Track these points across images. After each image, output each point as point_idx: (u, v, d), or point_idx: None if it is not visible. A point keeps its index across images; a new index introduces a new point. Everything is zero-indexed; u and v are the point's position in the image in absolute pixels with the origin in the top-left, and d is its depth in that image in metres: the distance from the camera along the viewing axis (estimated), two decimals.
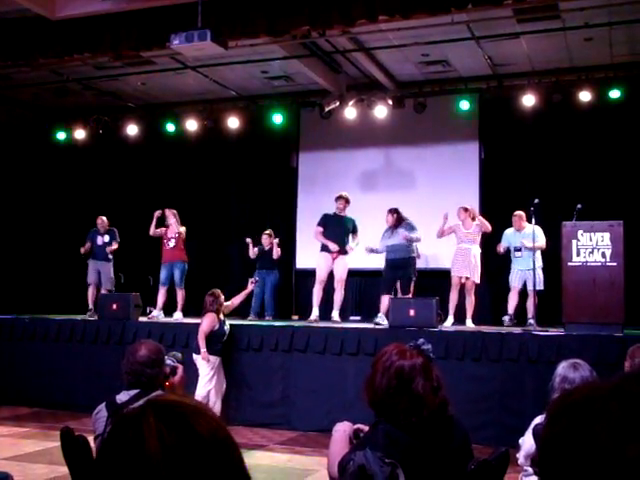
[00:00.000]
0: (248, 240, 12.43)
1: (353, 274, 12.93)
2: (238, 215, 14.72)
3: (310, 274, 13.53)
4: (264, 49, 11.38)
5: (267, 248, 12.41)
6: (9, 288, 13.56)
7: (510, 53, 11.61)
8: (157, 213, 12.07)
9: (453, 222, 11.21)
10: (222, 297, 9.50)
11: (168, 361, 4.38)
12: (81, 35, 10.01)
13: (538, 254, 10.64)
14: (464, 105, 12.65)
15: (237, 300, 10.13)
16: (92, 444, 3.86)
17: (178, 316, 11.95)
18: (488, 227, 11.16)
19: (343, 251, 11.39)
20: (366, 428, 3.15)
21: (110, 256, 12.66)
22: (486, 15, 9.91)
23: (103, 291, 12.32)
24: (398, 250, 10.79)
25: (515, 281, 10.90)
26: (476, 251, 11.11)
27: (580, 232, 9.07)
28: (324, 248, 11.40)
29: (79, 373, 10.85)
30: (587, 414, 1.01)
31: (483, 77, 12.65)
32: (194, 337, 10.31)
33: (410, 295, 10.79)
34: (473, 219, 11.19)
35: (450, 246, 11.36)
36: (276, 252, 12.30)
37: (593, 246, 8.99)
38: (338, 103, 12.84)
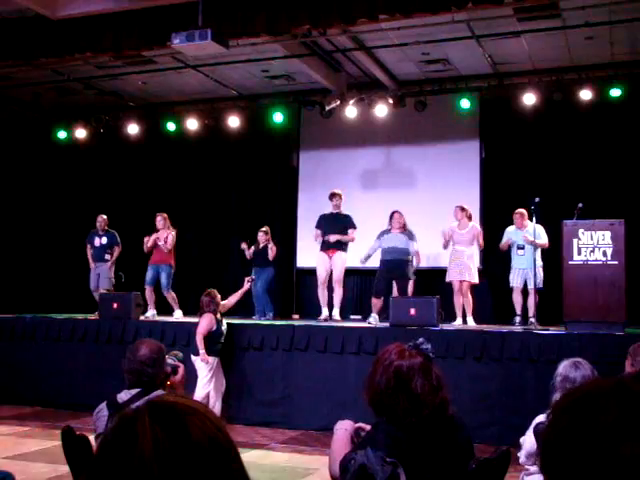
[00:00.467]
0: (243, 246, 12.40)
1: (354, 273, 12.96)
2: (238, 214, 14.72)
3: (311, 273, 13.55)
4: (265, 48, 11.38)
5: (262, 245, 12.37)
6: (10, 287, 13.56)
7: (511, 52, 11.61)
8: (153, 238, 12.00)
9: (447, 225, 11.19)
10: (219, 297, 9.49)
11: (169, 360, 4.38)
12: (82, 34, 10.02)
13: (538, 253, 10.64)
14: (465, 104, 12.65)
15: (233, 299, 10.10)
16: (93, 443, 3.87)
17: (179, 315, 11.95)
18: (481, 243, 11.23)
19: (340, 247, 11.36)
20: (367, 427, 3.16)
21: (107, 256, 12.63)
22: (487, 14, 9.91)
23: (101, 291, 12.31)
24: (395, 252, 10.76)
25: (516, 281, 10.89)
26: (470, 252, 11.05)
27: (581, 231, 9.06)
28: (322, 248, 11.39)
29: (80, 372, 10.85)
30: (586, 411, 1.02)
31: (484, 76, 12.65)
32: (194, 337, 10.33)
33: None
34: (470, 219, 11.18)
35: (449, 245, 11.36)
36: (271, 251, 12.26)
37: (594, 245, 8.98)
38: (339, 102, 12.84)
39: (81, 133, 14.63)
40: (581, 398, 1.06)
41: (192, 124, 14.04)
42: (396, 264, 10.75)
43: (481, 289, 12.30)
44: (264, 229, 12.51)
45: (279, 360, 9.92)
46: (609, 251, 8.92)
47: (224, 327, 9.48)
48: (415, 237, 10.94)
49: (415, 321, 9.44)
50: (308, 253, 12.98)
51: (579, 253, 9.05)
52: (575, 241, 9.07)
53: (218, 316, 9.42)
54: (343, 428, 3.17)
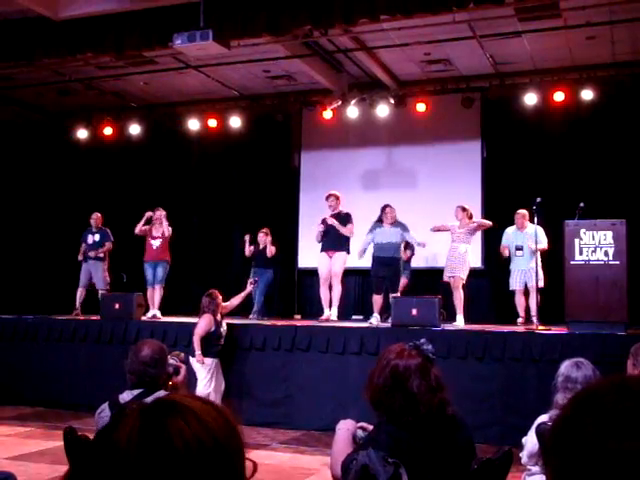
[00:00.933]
0: (246, 237, 12.39)
1: (355, 273, 12.96)
2: (240, 214, 14.72)
3: (312, 273, 13.55)
4: (266, 48, 11.38)
5: (262, 246, 12.37)
6: (12, 288, 13.57)
7: (512, 52, 11.61)
8: (148, 214, 12.01)
9: (447, 220, 11.20)
10: (219, 298, 9.47)
11: (171, 361, 4.38)
12: (84, 35, 10.02)
13: (538, 253, 10.64)
14: (465, 104, 12.65)
15: (236, 301, 10.09)
16: None
17: (153, 313, 11.76)
18: (487, 223, 11.21)
19: (340, 248, 11.36)
20: (369, 426, 3.17)
21: (101, 255, 12.62)
22: (488, 14, 9.90)
23: (100, 292, 12.30)
24: (389, 249, 10.77)
25: (516, 284, 10.88)
26: (463, 249, 11.02)
27: (583, 231, 9.06)
28: (323, 248, 11.40)
29: (82, 373, 10.86)
30: (589, 410, 1.04)
31: (485, 76, 12.64)
32: None
33: (398, 294, 10.76)
34: (470, 218, 11.18)
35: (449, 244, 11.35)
36: (269, 251, 12.23)
37: (596, 245, 8.98)
38: (340, 102, 12.84)
39: (82, 133, 14.64)
40: (585, 396, 1.08)
41: (193, 124, 14.05)
42: (388, 261, 10.74)
43: (482, 289, 12.31)
44: (264, 230, 12.50)
45: (281, 360, 9.93)
46: (611, 251, 8.91)
47: (223, 328, 9.46)
48: (408, 227, 10.93)
49: (417, 321, 9.44)
50: (309, 253, 12.97)
51: (581, 253, 9.04)
52: (577, 241, 9.07)
53: (218, 317, 9.40)
54: (345, 428, 3.17)
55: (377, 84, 12.85)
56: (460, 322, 10.69)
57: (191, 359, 9.05)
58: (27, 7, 9.67)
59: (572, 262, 9.10)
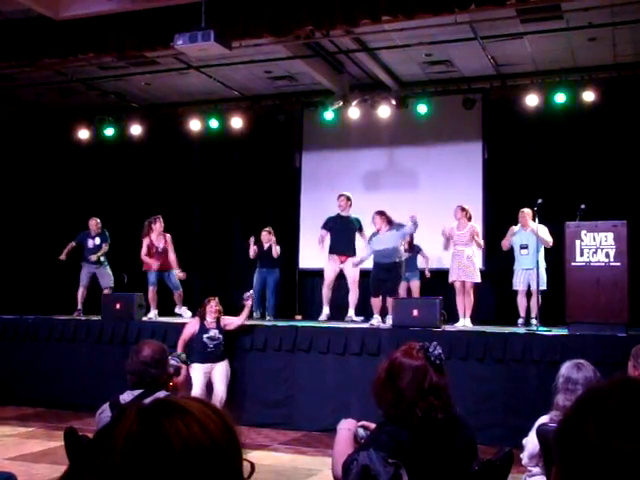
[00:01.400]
0: (251, 240, 12.35)
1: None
2: (241, 215, 14.72)
3: (313, 274, 13.56)
4: (267, 49, 11.38)
5: (267, 246, 12.36)
6: (12, 288, 13.57)
7: (513, 53, 11.61)
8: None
9: (447, 225, 11.18)
10: (211, 304, 9.49)
11: (172, 362, 4.39)
12: (85, 35, 10.02)
13: (542, 254, 10.64)
14: (467, 105, 12.65)
15: (239, 321, 9.87)
16: None
17: (188, 314, 11.86)
18: (479, 242, 11.19)
19: (352, 254, 11.43)
20: (371, 425, 3.18)
21: (102, 258, 12.62)
22: (489, 15, 9.90)
23: (106, 291, 12.31)
24: (387, 254, 10.70)
25: (520, 284, 10.86)
26: (470, 252, 11.02)
27: (583, 232, 9.06)
28: (332, 250, 11.43)
29: (82, 373, 10.86)
30: (581, 409, 1.05)
31: (486, 77, 12.64)
32: None
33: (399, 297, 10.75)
34: (469, 219, 11.17)
35: (450, 245, 11.35)
36: (275, 251, 12.23)
37: (597, 246, 8.98)
38: (341, 103, 12.84)
39: (84, 134, 14.64)
40: (587, 395, 1.09)
41: (195, 125, 14.05)
42: (388, 266, 10.71)
43: (483, 290, 12.29)
44: (267, 229, 12.48)
45: (282, 361, 9.93)
46: (612, 252, 8.91)
47: (211, 335, 9.36)
48: (404, 226, 10.80)
49: (417, 322, 9.44)
50: (311, 254, 12.98)
51: (582, 254, 9.05)
52: (578, 242, 9.07)
53: (207, 322, 9.38)
54: (346, 428, 3.18)
55: (378, 85, 12.85)
56: (468, 324, 10.73)
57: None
58: (28, 7, 9.67)
59: (573, 264, 9.10)
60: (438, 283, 11.87)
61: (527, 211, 10.80)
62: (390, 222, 10.86)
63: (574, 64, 11.89)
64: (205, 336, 9.36)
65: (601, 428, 1.01)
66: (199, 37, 8.63)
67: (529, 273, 10.68)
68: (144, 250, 11.86)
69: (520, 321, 10.85)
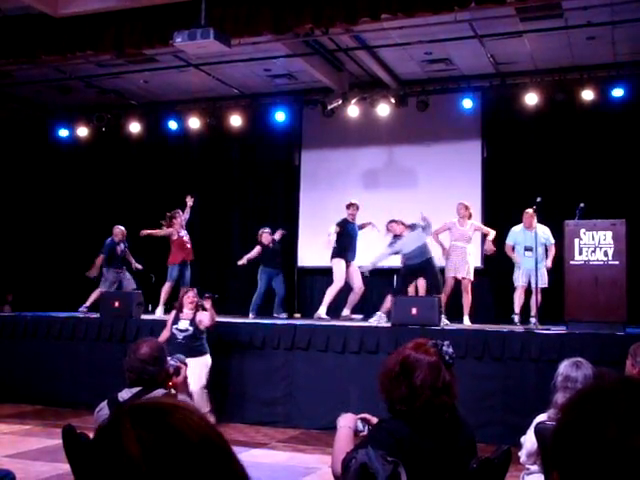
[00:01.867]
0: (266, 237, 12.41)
1: None
2: (240, 213, 14.72)
3: (312, 272, 13.57)
4: (267, 47, 11.37)
5: (272, 245, 12.36)
6: (11, 286, 13.57)
7: (513, 52, 11.61)
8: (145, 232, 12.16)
9: (447, 219, 11.18)
10: (189, 294, 9.24)
11: (171, 362, 4.39)
12: (84, 33, 10.01)
13: (551, 252, 10.64)
14: (467, 103, 12.65)
15: (206, 319, 9.25)
16: None
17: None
18: (486, 230, 11.23)
19: (354, 259, 11.54)
20: (372, 418, 3.18)
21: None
22: (489, 13, 9.90)
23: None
24: (416, 256, 10.65)
25: (521, 279, 10.84)
26: (471, 250, 11.08)
27: (582, 231, 9.06)
28: (342, 255, 11.42)
29: (81, 371, 10.86)
30: (595, 407, 1.04)
31: (486, 75, 12.64)
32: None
33: (443, 294, 10.66)
34: (469, 218, 11.18)
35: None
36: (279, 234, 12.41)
37: (595, 245, 8.99)
38: (341, 101, 12.84)
39: (83, 131, 14.63)
40: (590, 394, 1.08)
41: (194, 123, 14.04)
42: (420, 267, 10.67)
43: (482, 288, 12.30)
44: (267, 230, 12.48)
45: (280, 359, 9.93)
46: (610, 251, 8.92)
47: (183, 325, 9.16)
48: (419, 226, 10.75)
49: (416, 320, 9.44)
50: (310, 252, 12.98)
51: (580, 253, 9.05)
52: (577, 241, 9.07)
53: (183, 313, 9.24)
54: (346, 426, 3.17)
55: (378, 83, 12.85)
56: (467, 322, 10.75)
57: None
58: (27, 4, 9.65)
59: (572, 262, 9.10)
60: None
61: (532, 212, 10.67)
62: (406, 226, 10.85)
63: (573, 63, 11.89)
64: (175, 327, 9.20)
65: (622, 426, 1.00)
66: (198, 35, 8.62)
67: (531, 271, 10.60)
68: (176, 238, 12.09)
69: (516, 318, 10.79)
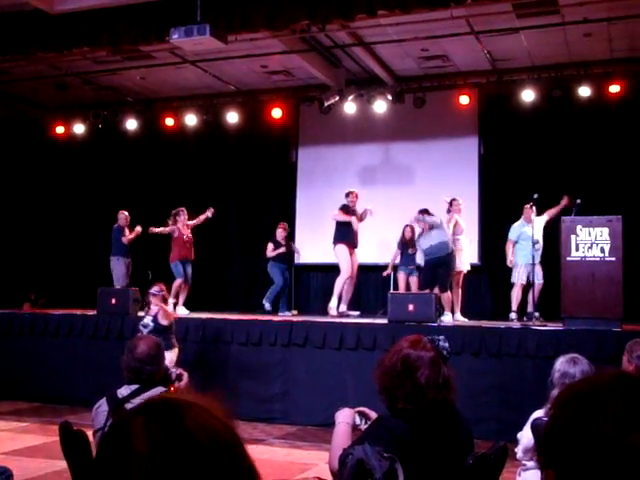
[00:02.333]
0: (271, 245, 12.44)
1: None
2: (237, 210, 14.71)
3: (309, 269, 13.58)
4: (263, 44, 11.36)
5: (284, 242, 12.38)
6: (8, 283, 13.55)
7: (509, 48, 11.60)
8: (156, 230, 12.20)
9: (444, 215, 11.20)
10: (153, 289, 9.16)
11: (173, 370, 4.40)
12: (80, 29, 9.98)
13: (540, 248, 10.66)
14: (463, 100, 12.65)
15: (160, 314, 9.05)
16: (91, 439, 3.87)
17: (184, 312, 11.88)
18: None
19: (357, 246, 11.55)
20: (370, 412, 3.19)
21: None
22: (485, 10, 9.90)
23: (118, 286, 12.29)
24: (437, 250, 10.66)
25: (522, 277, 10.79)
26: (463, 241, 11.19)
27: (579, 227, 9.07)
28: (346, 241, 11.39)
29: (78, 368, 10.85)
30: (590, 404, 1.04)
31: (482, 72, 12.63)
32: (194, 331, 10.35)
33: (447, 291, 10.69)
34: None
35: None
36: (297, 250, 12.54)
37: (592, 241, 9.00)
38: (337, 98, 12.83)
39: (79, 128, 14.61)
40: (585, 391, 1.08)
41: (190, 119, 14.02)
42: (441, 261, 10.67)
43: (479, 284, 12.32)
44: (283, 225, 12.55)
45: (277, 356, 9.94)
46: (607, 247, 8.93)
47: (145, 320, 9.02)
48: (438, 221, 10.82)
49: (413, 317, 9.45)
50: (306, 249, 12.97)
51: (577, 249, 9.06)
52: (573, 237, 9.08)
53: (150, 310, 9.13)
54: (344, 422, 3.18)
55: (375, 80, 12.84)
56: (460, 318, 10.77)
57: None
58: (23, 0, 9.63)
59: (568, 258, 9.11)
60: None
61: (530, 207, 10.66)
62: (425, 228, 10.90)
63: (570, 59, 11.89)
64: (140, 323, 9.16)
65: (614, 423, 1.00)
66: (195, 31, 8.61)
67: (529, 266, 10.56)
68: (177, 235, 12.13)
69: (513, 315, 10.80)
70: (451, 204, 11.25)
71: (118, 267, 12.53)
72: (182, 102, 14.41)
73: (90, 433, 3.93)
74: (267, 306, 12.05)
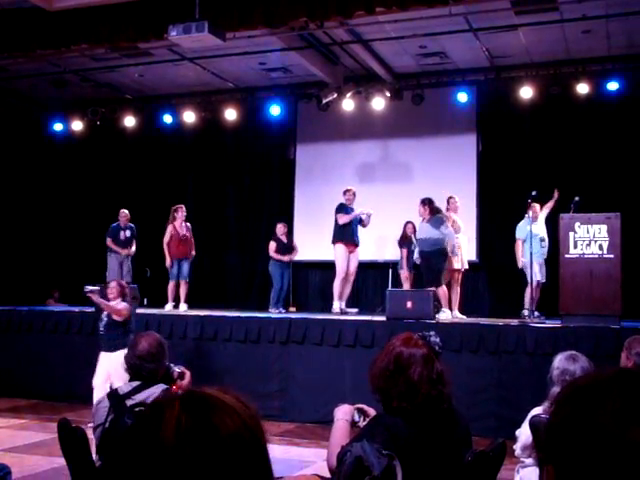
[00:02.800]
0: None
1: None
2: (235, 207, 14.71)
3: (307, 266, 13.57)
4: (262, 41, 11.35)
5: (285, 239, 12.37)
6: (6, 280, 13.55)
7: (508, 45, 11.60)
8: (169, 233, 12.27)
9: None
10: (110, 285, 9.00)
11: (175, 368, 4.40)
12: (78, 26, 9.97)
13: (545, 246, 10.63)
14: (462, 97, 12.65)
15: (108, 310, 8.92)
16: (90, 435, 3.87)
17: (184, 308, 11.98)
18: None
19: (358, 244, 11.49)
20: (369, 409, 3.19)
21: (132, 249, 12.70)
22: (484, 7, 9.90)
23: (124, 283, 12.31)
24: (424, 243, 10.63)
25: (538, 274, 10.48)
26: (460, 240, 11.13)
27: (577, 224, 9.07)
28: (343, 239, 11.39)
29: (76, 365, 10.83)
30: (591, 400, 1.04)
31: (481, 69, 12.64)
32: (192, 328, 10.34)
33: (434, 288, 10.38)
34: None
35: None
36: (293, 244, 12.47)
37: (590, 238, 8.99)
38: (336, 95, 12.82)
39: (77, 125, 14.60)
40: (585, 387, 1.08)
41: (189, 117, 14.01)
42: (426, 255, 10.63)
43: (477, 282, 12.33)
44: (283, 222, 12.56)
45: (276, 353, 9.93)
46: (605, 244, 8.93)
47: (102, 315, 8.89)
48: (443, 223, 10.66)
49: (411, 314, 9.45)
50: (305, 246, 12.96)
51: (575, 247, 9.06)
52: (571, 234, 9.08)
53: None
54: (343, 419, 3.18)
55: (373, 77, 12.83)
56: (459, 315, 10.75)
57: None
58: None
59: (567, 255, 9.11)
60: None
61: (537, 205, 10.58)
62: (433, 212, 10.68)
63: (568, 56, 11.89)
64: (99, 320, 9.14)
65: (614, 419, 1.00)
66: (193, 28, 8.61)
67: (541, 265, 10.44)
68: (167, 237, 12.18)
69: (526, 312, 10.56)
70: (448, 202, 11.22)
71: (111, 263, 12.62)
72: (180, 99, 14.40)
73: (88, 430, 3.94)
74: (274, 310, 12.01)
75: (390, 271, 12.31)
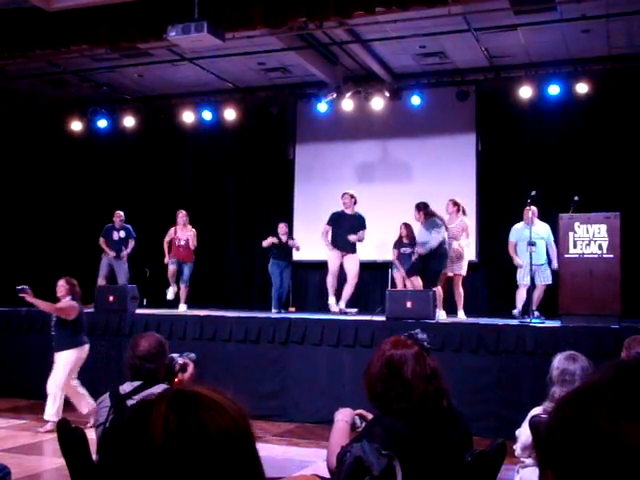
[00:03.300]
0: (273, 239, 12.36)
1: None
2: (234, 207, 14.71)
3: (307, 266, 13.57)
4: (261, 41, 11.35)
5: (284, 238, 12.36)
6: (6, 280, 13.53)
7: (507, 45, 11.60)
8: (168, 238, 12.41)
9: (441, 213, 11.16)
10: (58, 283, 9.02)
11: (179, 359, 4.40)
12: (77, 26, 9.97)
13: (543, 249, 10.59)
14: (461, 97, 12.64)
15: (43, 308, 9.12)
16: (89, 435, 3.87)
17: (183, 308, 12.15)
18: (469, 241, 11.28)
19: (353, 250, 11.48)
20: (368, 414, 3.19)
21: (125, 251, 12.73)
22: (483, 7, 9.89)
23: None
24: (421, 245, 10.68)
25: (525, 278, 10.54)
26: (457, 245, 11.03)
27: (577, 224, 9.07)
28: (335, 245, 11.48)
29: None
30: (587, 401, 1.04)
31: (480, 69, 12.63)
32: (191, 328, 10.32)
33: (438, 287, 10.56)
34: (463, 213, 11.20)
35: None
36: (294, 244, 12.46)
37: (590, 238, 9.00)
38: (335, 95, 12.82)
39: (77, 126, 14.59)
40: (583, 389, 1.08)
41: (188, 117, 14.01)
42: (425, 256, 10.68)
43: (477, 282, 12.32)
44: (282, 223, 12.56)
45: (275, 353, 9.93)
46: (605, 244, 8.93)
47: (53, 318, 8.96)
48: (436, 227, 10.64)
49: (411, 314, 9.45)
50: (304, 246, 12.96)
51: (575, 246, 9.06)
52: (571, 234, 9.09)
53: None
54: (343, 420, 3.18)
55: (372, 77, 12.83)
56: (462, 316, 10.75)
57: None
58: None
59: (566, 256, 9.12)
60: None
61: (534, 209, 10.49)
62: (427, 216, 10.76)
63: (568, 56, 11.88)
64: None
65: (611, 416, 1.00)
66: (192, 28, 8.60)
67: (534, 268, 10.43)
68: (167, 237, 12.38)
69: (515, 311, 10.73)
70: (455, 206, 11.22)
71: (101, 263, 12.73)
72: (180, 99, 14.40)
73: (88, 430, 3.94)
74: (274, 311, 12.01)
75: (390, 271, 12.30)
